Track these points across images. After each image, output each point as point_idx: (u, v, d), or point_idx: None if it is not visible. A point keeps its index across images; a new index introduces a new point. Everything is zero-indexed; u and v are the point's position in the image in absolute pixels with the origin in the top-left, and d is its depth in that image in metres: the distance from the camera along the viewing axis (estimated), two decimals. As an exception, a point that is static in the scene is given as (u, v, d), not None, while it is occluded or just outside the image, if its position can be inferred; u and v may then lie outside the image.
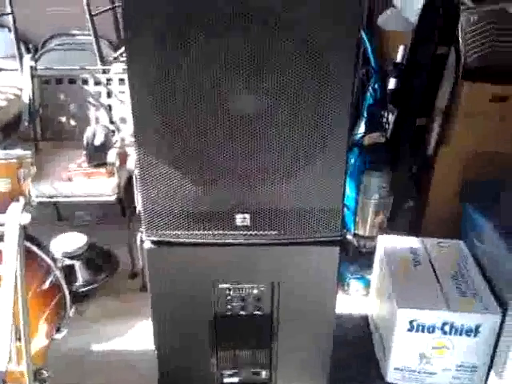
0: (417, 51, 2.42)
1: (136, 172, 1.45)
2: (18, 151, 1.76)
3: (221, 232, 1.50)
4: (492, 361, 1.81)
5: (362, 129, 2.46)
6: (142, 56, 1.28)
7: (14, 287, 1.33)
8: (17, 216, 1.38)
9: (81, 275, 2.29)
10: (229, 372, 1.74)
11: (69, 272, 2.05)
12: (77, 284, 2.27)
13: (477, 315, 1.77)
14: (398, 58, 2.54)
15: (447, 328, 1.79)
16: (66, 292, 1.85)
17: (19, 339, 1.40)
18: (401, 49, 2.53)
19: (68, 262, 2.21)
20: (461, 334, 1.79)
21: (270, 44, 1.26)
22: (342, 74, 1.30)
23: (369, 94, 2.55)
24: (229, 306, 1.63)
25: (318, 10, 1.24)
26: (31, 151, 1.79)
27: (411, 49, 2.46)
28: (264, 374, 1.74)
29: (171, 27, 1.25)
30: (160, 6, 1.24)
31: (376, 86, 2.55)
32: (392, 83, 2.54)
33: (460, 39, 2.34)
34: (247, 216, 1.47)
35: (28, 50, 3.44)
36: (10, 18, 3.03)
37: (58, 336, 1.85)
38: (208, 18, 1.23)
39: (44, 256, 1.78)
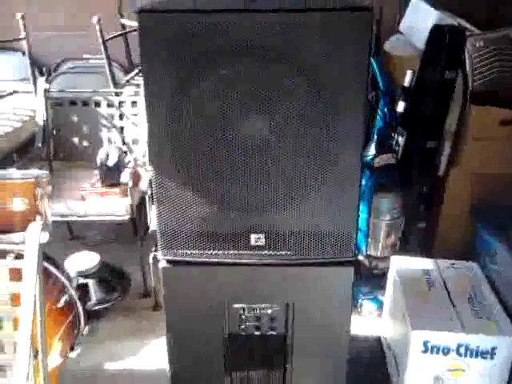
0: (425, 76, 2.46)
1: (151, 192, 1.47)
2: (35, 171, 1.79)
3: (235, 252, 1.50)
4: (509, 383, 1.79)
5: (372, 151, 2.48)
6: (157, 84, 1.31)
7: (33, 305, 1.34)
8: (36, 235, 1.40)
9: (94, 294, 2.30)
10: (243, 393, 1.73)
11: (82, 290, 2.06)
12: (90, 303, 2.27)
13: (492, 337, 1.76)
14: (406, 82, 2.57)
15: (462, 350, 1.78)
16: (80, 310, 1.86)
17: (35, 356, 1.41)
18: (409, 73, 2.56)
19: (82, 280, 2.22)
20: (476, 357, 1.78)
21: (282, 76, 1.29)
22: (354, 100, 1.32)
23: (378, 117, 2.58)
24: (243, 326, 1.63)
25: (327, 42, 1.26)
26: (47, 171, 1.82)
27: (419, 73, 2.50)
28: (278, 395, 1.73)
29: (184, 59, 1.28)
30: (174, 38, 1.27)
31: (385, 108, 2.59)
32: (401, 106, 2.57)
33: (467, 64, 2.38)
34: (261, 236, 1.48)
35: (41, 73, 3.50)
36: (24, 43, 3.09)
37: (72, 354, 1.85)
38: (219, 51, 1.27)
39: (59, 275, 1.80)
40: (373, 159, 2.39)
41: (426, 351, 1.81)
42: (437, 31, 2.35)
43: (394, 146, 2.47)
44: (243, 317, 1.62)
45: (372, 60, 2.53)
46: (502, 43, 2.37)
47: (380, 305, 2.35)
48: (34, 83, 3.09)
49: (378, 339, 2.25)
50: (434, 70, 2.34)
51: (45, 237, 1.43)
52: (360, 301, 2.38)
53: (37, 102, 2.84)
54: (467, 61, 2.36)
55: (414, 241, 2.49)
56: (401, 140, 2.51)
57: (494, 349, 1.76)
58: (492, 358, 1.77)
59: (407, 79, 2.56)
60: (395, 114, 2.57)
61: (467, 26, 2.62)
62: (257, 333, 1.64)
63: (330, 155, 1.37)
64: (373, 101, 2.66)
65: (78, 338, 1.90)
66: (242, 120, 1.34)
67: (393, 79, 2.84)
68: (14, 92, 3.42)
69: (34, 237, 1.39)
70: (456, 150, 2.44)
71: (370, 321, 2.36)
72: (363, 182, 2.34)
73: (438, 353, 1.80)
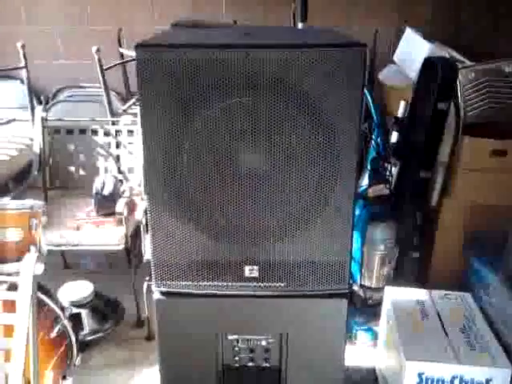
0: (417, 106, 2.50)
1: (146, 223, 1.49)
2: (30, 201, 1.80)
3: (229, 283, 1.51)
4: (504, 416, 1.78)
5: (365, 181, 2.50)
6: (154, 116, 1.34)
7: (26, 337, 1.34)
8: (31, 267, 1.40)
9: (87, 323, 2.28)
10: (236, 426, 1.71)
11: (75, 320, 2.05)
12: (83, 332, 2.25)
13: (487, 369, 1.75)
14: (400, 113, 2.61)
15: (457, 382, 1.77)
16: (73, 340, 1.85)
17: (27, 388, 1.40)
18: (402, 104, 2.61)
19: (75, 310, 2.21)
20: (471, 389, 1.77)
21: (277, 108, 1.32)
22: (347, 135, 1.36)
23: (372, 147, 2.62)
24: (237, 358, 1.63)
25: (323, 77, 1.30)
26: (42, 200, 1.83)
27: (412, 104, 2.55)
28: (272, 428, 1.71)
29: (181, 94, 1.32)
30: (171, 72, 1.30)
31: (379, 139, 2.62)
32: (394, 136, 2.61)
33: (459, 95, 2.42)
34: (255, 268, 1.50)
35: (39, 101, 3.53)
36: (23, 71, 3.13)
37: (65, 384, 1.83)
38: (217, 86, 1.30)
39: (53, 305, 1.79)
40: (366, 190, 2.41)
41: (420, 382, 1.80)
42: (429, 63, 2.40)
43: (387, 176, 2.50)
44: (237, 348, 1.62)
45: (366, 92, 2.58)
46: (493, 75, 2.42)
47: (374, 335, 2.35)
48: (32, 111, 3.11)
49: (373, 370, 2.23)
50: (426, 102, 2.38)
51: (39, 268, 1.43)
52: (354, 331, 2.37)
53: (34, 130, 2.85)
54: (459, 92, 2.40)
55: (408, 271, 2.50)
56: (394, 170, 2.54)
57: (488, 381, 1.76)
58: (486, 390, 1.77)
59: (400, 110, 2.61)
60: (388, 144, 2.60)
61: (459, 57, 2.67)
62: (251, 364, 1.63)
63: (326, 187, 1.39)
64: (366, 131, 2.70)
65: (71, 368, 1.88)
66: (239, 154, 1.37)
67: (386, 109, 2.89)
68: (13, 120, 3.44)
69: (29, 268, 1.40)
70: (448, 180, 2.46)
71: (365, 351, 2.35)
72: (357, 213, 2.36)
73: (432, 384, 1.79)
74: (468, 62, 2.56)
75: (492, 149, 2.36)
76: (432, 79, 2.31)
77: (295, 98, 1.32)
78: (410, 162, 2.47)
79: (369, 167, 2.51)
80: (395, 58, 3.21)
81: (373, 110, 2.63)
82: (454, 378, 1.77)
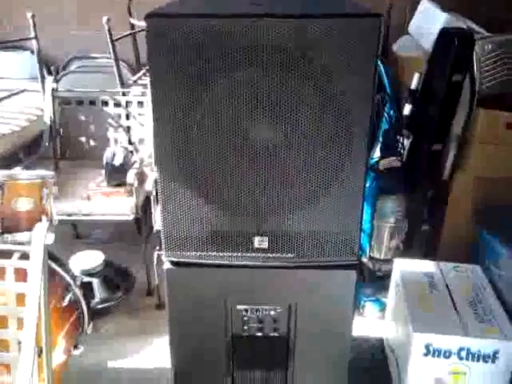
0: (432, 78, 2.46)
1: (156, 193, 1.49)
2: (41, 171, 1.81)
3: (239, 254, 1.52)
4: (509, 387, 1.80)
5: (377, 153, 2.48)
6: (165, 88, 1.32)
7: (38, 306, 1.36)
8: (42, 236, 1.41)
9: (98, 292, 2.32)
10: (245, 393, 1.74)
11: (86, 289, 2.08)
12: (94, 301, 2.29)
13: (494, 341, 1.76)
14: (413, 85, 2.57)
15: (464, 354, 1.78)
16: (85, 309, 1.88)
17: (39, 355, 1.42)
18: (416, 76, 2.56)
19: (86, 279, 2.24)
20: (478, 360, 1.78)
21: (288, 80, 1.30)
22: (360, 103, 1.33)
23: (384, 120, 2.58)
24: (245, 327, 1.64)
25: (337, 48, 1.27)
26: (53, 171, 1.84)
27: (426, 76, 2.50)
28: (280, 396, 1.74)
29: (192, 64, 1.30)
30: (182, 43, 1.28)
31: (391, 111, 2.58)
32: (407, 109, 2.57)
33: (475, 67, 2.37)
34: (265, 239, 1.49)
35: (49, 72, 3.52)
36: (33, 42, 3.12)
37: (76, 352, 1.86)
38: (229, 57, 1.28)
39: (64, 274, 1.81)
40: (378, 162, 2.39)
41: (427, 354, 1.81)
42: (445, 34, 2.35)
43: (399, 148, 2.47)
44: (246, 318, 1.63)
45: (379, 63, 2.53)
46: (510, 46, 2.36)
47: (383, 307, 2.36)
48: (42, 82, 3.11)
49: (381, 341, 2.25)
50: (441, 73, 2.33)
51: (50, 238, 1.44)
52: (363, 302, 2.39)
53: (44, 101, 2.85)
54: (475, 64, 2.36)
55: (418, 243, 2.49)
56: (406, 143, 2.51)
57: (495, 353, 1.77)
58: (494, 361, 1.77)
59: (414, 82, 2.56)
60: (401, 116, 2.57)
61: (476, 28, 2.61)
62: (259, 334, 1.65)
63: (336, 160, 1.38)
64: (379, 103, 2.66)
65: (82, 336, 1.92)
66: (251, 125, 1.35)
67: (399, 81, 2.84)
68: (24, 91, 3.44)
69: (40, 237, 1.41)
70: (461, 153, 2.44)
71: (373, 322, 2.37)
72: (367, 185, 2.35)
73: (439, 356, 1.80)
74: (485, 33, 2.50)
75: (507, 121, 2.32)
76: (448, 50, 2.26)
77: (306, 70, 1.29)
78: (423, 135, 2.44)
79: (381, 139, 2.48)
80: (410, 29, 3.14)
81: (386, 82, 2.59)
82: (461, 349, 1.78)
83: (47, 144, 2.83)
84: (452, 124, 2.41)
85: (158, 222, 1.60)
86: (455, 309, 1.91)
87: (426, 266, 2.18)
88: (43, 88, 2.98)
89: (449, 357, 1.80)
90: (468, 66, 2.31)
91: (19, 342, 1.41)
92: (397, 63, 3.07)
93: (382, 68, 2.57)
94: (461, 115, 2.41)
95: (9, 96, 3.32)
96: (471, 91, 2.39)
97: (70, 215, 2.41)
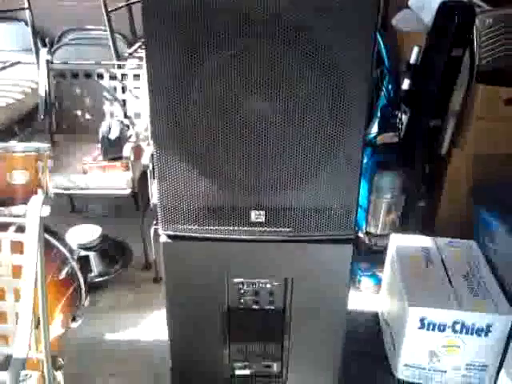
0: (431, 53, 2.43)
1: (153, 167, 1.48)
2: (36, 144, 1.79)
3: (235, 228, 1.51)
4: (502, 360, 1.82)
5: (375, 129, 2.47)
6: (160, 60, 1.30)
7: (34, 277, 1.36)
8: (37, 209, 1.41)
9: (95, 266, 2.33)
10: (240, 364, 1.76)
11: (84, 263, 2.08)
12: (91, 275, 2.30)
13: (488, 315, 1.78)
14: (412, 59, 2.54)
15: (458, 327, 1.81)
16: (82, 282, 1.88)
17: (37, 326, 1.43)
18: (415, 50, 2.53)
19: (83, 253, 2.24)
20: (472, 334, 1.80)
21: (284, 52, 1.28)
22: (358, 78, 1.31)
23: (382, 94, 2.56)
24: (242, 300, 1.65)
25: (331, 15, 1.25)
26: (49, 144, 1.82)
27: (425, 50, 2.47)
28: (275, 366, 1.76)
29: (188, 36, 1.27)
30: (178, 14, 1.25)
31: (389, 86, 2.56)
32: (406, 84, 2.55)
33: (475, 42, 2.34)
34: (262, 213, 1.49)
35: (44, 44, 3.47)
36: (27, 12, 3.06)
37: (74, 325, 1.88)
38: (225, 28, 1.26)
39: (61, 247, 1.81)
40: (375, 137, 2.39)
41: (422, 327, 1.83)
42: (445, 8, 2.31)
43: (397, 124, 2.46)
44: (242, 291, 1.64)
45: (378, 36, 2.50)
46: (511, 21, 2.33)
47: (378, 281, 2.38)
48: (37, 54, 3.07)
49: (376, 315, 2.28)
50: (440, 48, 2.31)
51: (46, 210, 1.44)
52: (359, 277, 2.41)
53: (39, 74, 2.82)
54: (475, 38, 2.33)
55: (414, 219, 2.50)
56: (404, 118, 2.50)
57: (489, 326, 1.79)
58: (487, 335, 1.80)
59: (413, 56, 2.53)
60: (399, 91, 2.55)
61: (477, 1, 2.57)
62: (255, 307, 1.66)
63: (333, 135, 1.37)
64: (377, 78, 2.64)
65: (80, 310, 1.93)
66: (246, 98, 1.33)
67: (398, 55, 2.81)
68: (17, 63, 3.40)
69: (36, 210, 1.40)
70: (459, 129, 2.43)
71: (368, 297, 2.39)
72: (365, 160, 2.34)
73: (433, 329, 1.83)
74: (486, 7, 2.46)
75: (506, 97, 2.30)
76: (448, 24, 2.23)
77: (302, 42, 1.27)
78: (421, 110, 2.42)
79: (379, 114, 2.47)
80: (410, 2, 3.09)
81: (385, 56, 2.56)
82: (455, 323, 1.80)
83: (42, 117, 2.80)
84: (451, 100, 2.40)
85: (154, 196, 1.59)
86: (450, 283, 1.93)
87: (422, 241, 2.19)
88: (37, 60, 2.94)
89: (443, 330, 1.82)
90: (468, 40, 2.28)
91: (17, 314, 1.41)
92: (396, 37, 3.03)
93: (380, 42, 2.54)
94: (459, 91, 2.39)
95: (2, 68, 3.27)
96: (470, 67, 2.36)
97: (66, 189, 2.41)
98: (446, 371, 1.89)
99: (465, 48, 2.26)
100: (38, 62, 2.92)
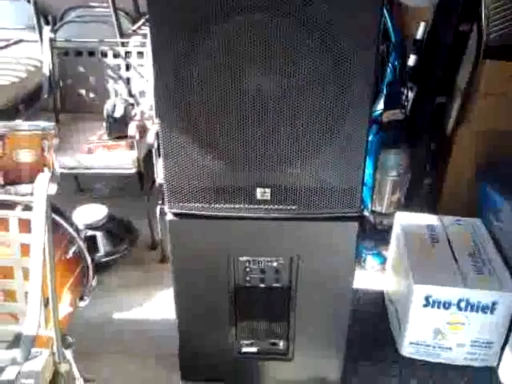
0: (438, 28, 2.40)
1: (158, 145, 1.48)
2: (42, 122, 1.79)
3: (241, 206, 1.52)
4: (507, 337, 1.83)
5: (380, 105, 2.45)
6: (164, 36, 1.29)
7: (43, 255, 1.37)
8: (44, 186, 1.41)
9: (102, 246, 2.34)
10: (247, 342, 1.78)
11: (91, 242, 2.09)
12: (98, 254, 2.31)
13: (493, 292, 1.79)
14: (419, 35, 2.51)
15: (463, 304, 1.81)
16: (89, 262, 1.89)
17: (46, 305, 1.44)
18: (422, 25, 2.50)
19: (90, 232, 2.25)
20: (476, 311, 1.81)
21: (289, 26, 1.26)
22: (363, 57, 1.30)
23: (389, 71, 2.53)
24: (248, 278, 1.66)
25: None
26: (54, 123, 1.82)
27: (433, 25, 2.44)
28: (281, 344, 1.78)
29: (192, 10, 1.26)
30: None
31: (396, 62, 2.53)
32: (412, 60, 2.52)
33: (482, 16, 2.30)
34: (267, 190, 1.49)
35: (47, 22, 3.44)
36: (29, -10, 3.03)
37: (81, 304, 1.90)
38: (230, 2, 1.24)
39: (68, 227, 1.82)
40: (381, 114, 2.37)
41: (427, 305, 1.84)
42: (453, -19, 2.28)
43: (403, 101, 2.44)
44: (248, 269, 1.65)
45: (385, 11, 2.47)
46: (521, -5, 2.29)
47: (383, 260, 2.39)
48: (40, 32, 3.04)
49: (381, 293, 2.29)
50: (448, 22, 2.28)
51: (53, 188, 1.43)
52: (364, 256, 2.41)
53: (42, 52, 2.80)
54: (483, 13, 2.29)
55: (420, 197, 2.50)
56: (410, 95, 2.48)
57: (494, 304, 1.79)
58: (492, 312, 1.81)
59: (420, 31, 2.50)
60: (406, 67, 2.52)
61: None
62: (262, 285, 1.67)
63: (338, 112, 1.36)
64: (383, 54, 2.61)
65: (87, 289, 1.94)
66: (252, 75, 1.32)
67: (406, 30, 2.77)
68: (20, 41, 3.37)
69: (42, 188, 1.40)
70: (465, 106, 2.40)
71: (374, 275, 2.40)
72: (370, 138, 2.33)
73: (439, 307, 1.83)
74: (494, -20, 2.42)
75: (513, 73, 2.27)
76: (455, -1, 2.20)
77: (307, 16, 1.25)
78: (427, 87, 2.40)
79: (384, 91, 2.44)
80: (417, -25, 3.04)
81: (391, 32, 2.52)
82: (460, 300, 1.81)
83: (47, 96, 2.79)
84: (457, 76, 2.37)
85: (160, 175, 1.59)
86: (455, 261, 1.93)
87: (428, 219, 2.19)
88: (41, 38, 2.91)
89: (448, 308, 1.83)
90: (475, 14, 2.25)
91: (26, 293, 1.42)
92: (402, 13, 2.99)
93: (387, 17, 2.50)
94: (466, 67, 2.36)
95: (5, 46, 3.25)
96: (478, 42, 2.33)
97: (71, 168, 2.41)
98: (450, 348, 1.91)
99: (472, 23, 2.23)
100: (41, 40, 2.90)
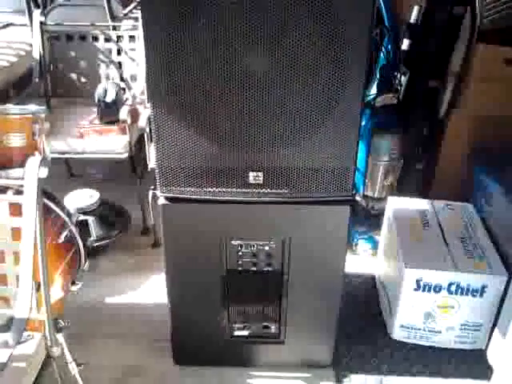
0: (432, 11, 2.38)
1: (150, 129, 1.47)
2: (32, 106, 1.77)
3: (234, 189, 1.52)
4: (496, 320, 1.85)
5: (374, 90, 2.44)
6: (155, 17, 1.28)
7: (34, 240, 1.36)
8: (35, 170, 1.40)
9: (94, 230, 2.33)
10: (239, 325, 1.79)
11: (82, 227, 2.09)
12: (90, 239, 2.31)
13: (483, 276, 1.80)
14: (412, 18, 2.50)
15: (453, 288, 1.83)
16: (81, 246, 1.89)
17: (38, 289, 1.44)
18: (415, 9, 2.48)
19: (82, 217, 2.24)
20: (466, 294, 1.83)
21: (283, 5, 1.25)
22: (357, 35, 1.29)
23: (382, 55, 2.53)
24: (240, 262, 1.67)
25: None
26: (44, 106, 1.80)
27: (426, 8, 2.42)
28: (273, 328, 1.79)
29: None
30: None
31: (389, 46, 2.52)
32: (405, 44, 2.51)
33: (476, 0, 2.29)
34: (260, 174, 1.49)
35: (37, 5, 3.39)
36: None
37: (74, 288, 1.89)
38: None
39: (59, 211, 1.81)
40: (374, 99, 2.36)
41: (418, 289, 1.86)
42: (447, -37, 2.26)
43: (396, 85, 2.43)
44: (240, 253, 1.65)
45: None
46: (514, -22, 2.27)
47: (375, 245, 2.40)
48: (30, 15, 3.00)
49: (372, 278, 2.30)
50: (441, 6, 2.26)
51: (44, 172, 1.42)
52: (356, 240, 2.42)
53: (33, 36, 2.76)
54: (477, -4, 2.28)
55: (412, 182, 2.50)
56: (403, 79, 2.47)
57: (484, 287, 1.81)
58: (481, 295, 1.82)
59: (413, 15, 2.48)
60: (399, 51, 2.51)
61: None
62: (254, 269, 1.68)
63: (331, 94, 1.36)
64: (377, 37, 2.60)
65: (79, 274, 1.94)
66: (242, 55, 1.31)
67: (399, 14, 2.75)
68: (10, 25, 3.33)
69: (33, 172, 1.39)
70: (458, 91, 2.40)
71: (365, 260, 2.41)
72: (363, 122, 2.33)
73: (429, 290, 1.85)
74: (489, -37, 2.40)
75: (506, 57, 2.26)
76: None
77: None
78: (421, 71, 2.39)
79: (378, 75, 2.44)
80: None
81: (385, 15, 2.51)
82: (450, 284, 1.83)
83: (37, 80, 2.76)
84: (450, 60, 2.36)
85: (152, 160, 1.58)
86: (446, 245, 1.94)
87: (419, 203, 2.20)
88: (31, 22, 2.88)
89: (439, 291, 1.85)
90: (469, -2, 2.23)
91: (17, 277, 1.42)
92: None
93: (381, 0, 2.49)
94: (459, 51, 2.36)
95: (-5, 30, 3.21)
96: (471, 26, 2.32)
97: (62, 153, 2.39)
98: (441, 331, 1.92)
99: (466, 6, 2.22)
100: (31, 24, 2.86)
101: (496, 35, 2.28)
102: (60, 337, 1.46)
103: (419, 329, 1.94)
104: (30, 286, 1.34)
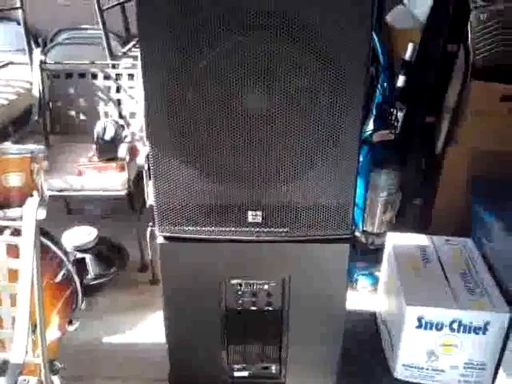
0: (426, 48, 2.43)
1: (148, 167, 1.47)
2: (31, 146, 1.77)
3: (232, 228, 1.51)
4: (500, 359, 1.82)
5: (370, 126, 2.46)
6: (155, 57, 1.30)
7: (31, 281, 1.35)
8: (33, 212, 1.39)
9: (92, 268, 2.31)
10: (239, 366, 1.76)
11: (80, 265, 2.07)
12: (88, 277, 2.28)
13: (485, 313, 1.78)
14: (407, 56, 2.54)
15: (455, 326, 1.80)
16: (78, 285, 1.87)
17: (34, 331, 1.42)
18: (410, 46, 2.53)
19: (79, 255, 2.22)
20: (469, 332, 1.80)
21: (283, 47, 1.27)
22: (354, 75, 1.31)
23: (378, 92, 2.56)
24: (240, 301, 1.65)
25: (329, 13, 1.25)
26: (43, 145, 1.81)
27: (420, 46, 2.47)
28: (274, 368, 1.76)
29: (182, 32, 1.27)
30: (171, 9, 1.25)
31: (385, 83, 2.55)
32: (401, 80, 2.55)
33: (469, 37, 2.34)
34: (259, 213, 1.49)
35: (37, 44, 3.45)
36: (20, 12, 3.04)
37: (70, 328, 1.87)
38: (220, 23, 1.25)
39: (57, 250, 1.80)
40: (371, 135, 2.38)
41: (419, 327, 1.83)
42: (439, 3, 2.31)
43: (392, 121, 2.45)
44: (240, 292, 1.63)
45: (373, 33, 2.49)
46: (506, 16, 2.33)
47: (375, 280, 2.38)
48: (30, 54, 3.04)
49: (373, 314, 2.28)
50: (435, 43, 2.31)
51: (42, 213, 1.43)
52: (355, 276, 2.40)
53: (33, 74, 2.80)
54: (470, 34, 2.33)
55: (411, 217, 2.50)
56: (400, 115, 2.49)
57: (486, 324, 1.79)
58: (484, 333, 1.80)
59: (408, 52, 2.53)
60: (395, 88, 2.54)
61: (472, -4, 2.57)
62: (253, 308, 1.65)
63: (329, 131, 1.37)
64: (373, 75, 2.63)
65: (76, 313, 1.92)
66: (242, 94, 1.33)
67: (394, 51, 2.80)
68: (10, 63, 3.37)
69: (31, 213, 1.39)
70: (455, 126, 2.42)
71: (366, 296, 2.39)
72: (361, 158, 2.33)
73: (431, 328, 1.82)
74: (480, 2, 2.46)
75: (501, 94, 2.30)
76: (442, 19, 2.23)
77: (299, 35, 1.26)
78: (416, 107, 2.42)
79: (374, 112, 2.46)
80: (404, -2, 3.10)
81: (380, 53, 2.55)
82: (453, 321, 1.80)
83: (36, 118, 2.78)
84: (446, 96, 2.39)
85: (150, 197, 1.58)
86: (447, 282, 1.93)
87: (419, 239, 2.19)
88: (31, 60, 2.91)
89: (441, 329, 1.82)
90: (463, 35, 2.28)
91: (13, 318, 1.40)
92: (391, 34, 3.03)
93: (376, 39, 2.53)
94: (454, 87, 2.39)
95: (-5, 69, 3.25)
96: (465, 63, 2.36)
97: (61, 191, 2.39)
98: (444, 370, 1.89)
99: (459, 43, 2.26)
100: (31, 63, 2.90)
101: (490, 71, 2.32)
102: (56, 379, 1.43)
103: (422, 368, 1.91)
104: (26, 329, 1.32)
